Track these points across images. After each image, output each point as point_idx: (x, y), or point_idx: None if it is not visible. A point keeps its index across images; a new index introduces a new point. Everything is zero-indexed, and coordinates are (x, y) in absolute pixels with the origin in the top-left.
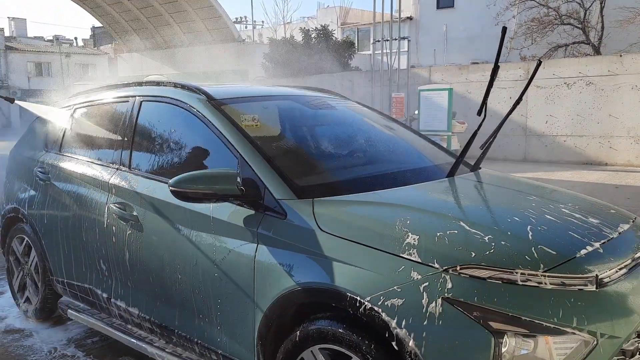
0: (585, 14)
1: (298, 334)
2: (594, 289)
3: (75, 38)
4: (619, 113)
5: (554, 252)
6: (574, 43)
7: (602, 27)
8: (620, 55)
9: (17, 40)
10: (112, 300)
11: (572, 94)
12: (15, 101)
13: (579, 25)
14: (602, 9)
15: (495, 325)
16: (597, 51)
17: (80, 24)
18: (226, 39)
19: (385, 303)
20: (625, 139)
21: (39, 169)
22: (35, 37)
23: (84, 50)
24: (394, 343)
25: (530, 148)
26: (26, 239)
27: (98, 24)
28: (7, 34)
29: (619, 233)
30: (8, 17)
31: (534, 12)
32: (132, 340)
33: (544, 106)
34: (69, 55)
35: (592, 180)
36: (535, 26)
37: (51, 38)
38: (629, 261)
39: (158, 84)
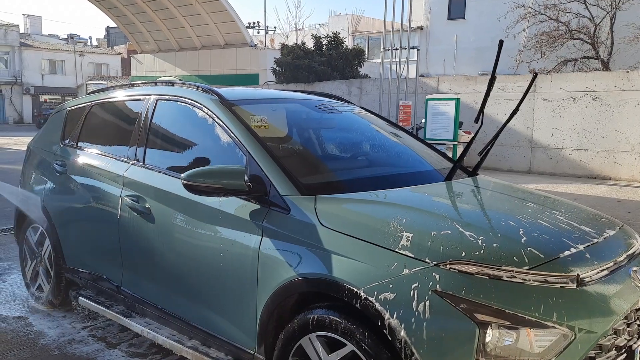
0: (595, 29)
1: (297, 321)
2: (575, 287)
3: (90, 37)
4: (624, 128)
5: (540, 252)
6: (583, 58)
7: (612, 43)
8: (627, 72)
9: (31, 37)
10: (123, 288)
11: (578, 108)
12: None
13: (589, 41)
14: (612, 25)
15: (480, 317)
16: (606, 67)
17: (94, 24)
18: (238, 43)
19: (379, 294)
20: (630, 154)
21: (57, 162)
22: (50, 35)
23: (97, 50)
24: (386, 332)
25: (535, 160)
26: (41, 228)
27: (112, 24)
28: (22, 30)
29: (605, 238)
30: (23, 14)
31: (544, 26)
32: (140, 327)
33: (550, 119)
34: (83, 54)
35: (595, 193)
36: (545, 40)
37: (66, 36)
38: (611, 264)
39: (173, 84)
